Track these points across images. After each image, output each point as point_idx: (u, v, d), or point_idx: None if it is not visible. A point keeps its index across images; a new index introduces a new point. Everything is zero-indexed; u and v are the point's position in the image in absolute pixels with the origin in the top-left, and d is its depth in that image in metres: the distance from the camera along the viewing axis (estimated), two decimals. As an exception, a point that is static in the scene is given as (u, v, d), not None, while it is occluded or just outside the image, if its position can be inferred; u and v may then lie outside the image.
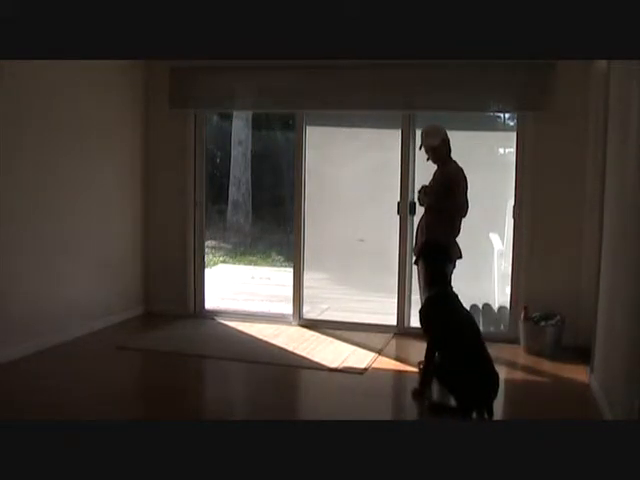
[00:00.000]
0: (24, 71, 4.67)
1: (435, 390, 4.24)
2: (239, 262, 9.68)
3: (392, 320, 5.84)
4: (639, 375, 3.15)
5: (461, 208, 4.61)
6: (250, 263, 9.57)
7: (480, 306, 5.83)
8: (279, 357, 5.07)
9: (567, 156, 5.34)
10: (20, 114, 4.77)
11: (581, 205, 5.29)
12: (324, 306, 6.45)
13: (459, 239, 4.69)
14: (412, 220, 5.66)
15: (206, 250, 6.68)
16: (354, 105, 5.77)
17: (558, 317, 5.23)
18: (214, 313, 6.30)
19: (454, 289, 4.28)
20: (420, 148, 4.82)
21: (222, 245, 10.02)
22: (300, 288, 6.07)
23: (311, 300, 6.24)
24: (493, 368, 3.87)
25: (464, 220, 4.69)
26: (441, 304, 4.16)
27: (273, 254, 9.66)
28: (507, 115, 5.89)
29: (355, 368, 4.78)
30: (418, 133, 5.34)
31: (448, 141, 4.66)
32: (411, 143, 5.66)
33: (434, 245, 4.40)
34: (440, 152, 4.65)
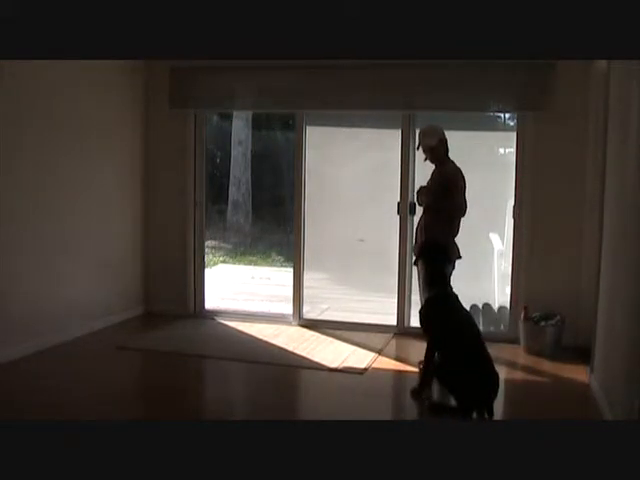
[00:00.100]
0: (24, 71, 4.67)
1: (435, 390, 4.24)
2: (239, 262, 9.68)
3: (392, 320, 5.84)
4: (639, 375, 3.15)
5: (459, 208, 4.60)
6: (250, 263, 9.57)
7: (480, 306, 5.83)
8: (279, 357, 5.07)
9: (567, 156, 5.34)
10: (20, 114, 4.77)
11: (581, 205, 5.29)
12: (324, 306, 6.45)
13: (458, 239, 4.69)
14: (412, 220, 5.66)
15: (206, 250, 6.68)
16: (354, 105, 5.77)
17: (558, 317, 5.23)
18: (214, 313, 6.30)
19: (454, 289, 4.28)
20: (418, 148, 4.82)
21: (222, 245, 10.02)
22: (300, 288, 6.07)
23: (311, 300, 6.24)
24: (493, 368, 3.87)
25: (464, 220, 4.68)
26: (441, 304, 4.16)
27: (273, 254, 9.66)
28: (507, 115, 5.89)
29: (355, 368, 4.78)
30: (418, 133, 5.34)
31: (446, 141, 4.66)
32: (411, 143, 5.66)
33: (433, 245, 4.40)
34: (438, 152, 4.65)
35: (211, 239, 9.06)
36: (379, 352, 5.19)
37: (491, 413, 3.74)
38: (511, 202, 5.58)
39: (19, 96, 4.74)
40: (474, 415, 3.75)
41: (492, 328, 5.86)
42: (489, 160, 6.02)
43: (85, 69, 5.24)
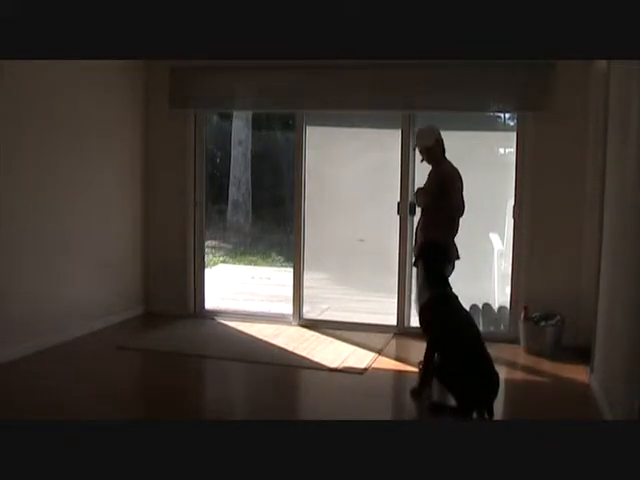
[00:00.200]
0: (24, 71, 4.67)
1: (435, 390, 4.24)
2: (239, 262, 9.69)
3: (392, 320, 5.84)
4: (639, 375, 3.15)
5: (457, 207, 4.59)
6: (250, 263, 9.57)
7: (480, 306, 5.83)
8: (279, 357, 5.07)
9: (567, 156, 5.34)
10: (20, 114, 4.77)
11: (581, 205, 5.30)
12: (324, 306, 6.45)
13: (458, 239, 4.68)
14: (412, 220, 5.66)
15: (206, 250, 6.68)
16: (354, 105, 5.77)
17: (558, 317, 5.23)
18: (214, 313, 6.30)
19: (453, 290, 4.28)
20: (414, 149, 4.82)
21: (222, 245, 10.03)
22: (300, 288, 6.07)
23: (311, 300, 6.25)
24: (493, 368, 3.87)
25: (464, 220, 4.68)
26: (441, 305, 4.16)
27: (273, 254, 9.66)
28: (507, 115, 5.89)
29: (355, 368, 4.78)
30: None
31: (442, 141, 4.65)
32: (411, 143, 5.64)
33: (433, 245, 4.40)
34: (434, 152, 4.65)
35: (211, 239, 9.06)
36: (379, 352, 5.19)
37: (491, 413, 3.74)
38: (511, 202, 5.58)
39: (19, 96, 4.74)
40: (474, 415, 3.75)
41: (492, 328, 5.86)
42: (489, 160, 6.02)
43: (85, 69, 5.24)
